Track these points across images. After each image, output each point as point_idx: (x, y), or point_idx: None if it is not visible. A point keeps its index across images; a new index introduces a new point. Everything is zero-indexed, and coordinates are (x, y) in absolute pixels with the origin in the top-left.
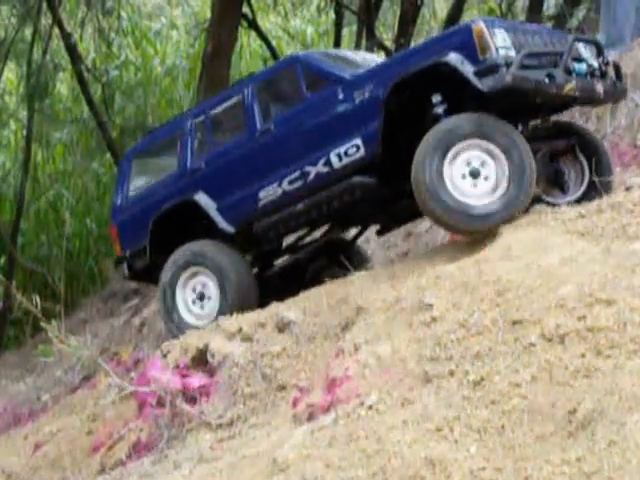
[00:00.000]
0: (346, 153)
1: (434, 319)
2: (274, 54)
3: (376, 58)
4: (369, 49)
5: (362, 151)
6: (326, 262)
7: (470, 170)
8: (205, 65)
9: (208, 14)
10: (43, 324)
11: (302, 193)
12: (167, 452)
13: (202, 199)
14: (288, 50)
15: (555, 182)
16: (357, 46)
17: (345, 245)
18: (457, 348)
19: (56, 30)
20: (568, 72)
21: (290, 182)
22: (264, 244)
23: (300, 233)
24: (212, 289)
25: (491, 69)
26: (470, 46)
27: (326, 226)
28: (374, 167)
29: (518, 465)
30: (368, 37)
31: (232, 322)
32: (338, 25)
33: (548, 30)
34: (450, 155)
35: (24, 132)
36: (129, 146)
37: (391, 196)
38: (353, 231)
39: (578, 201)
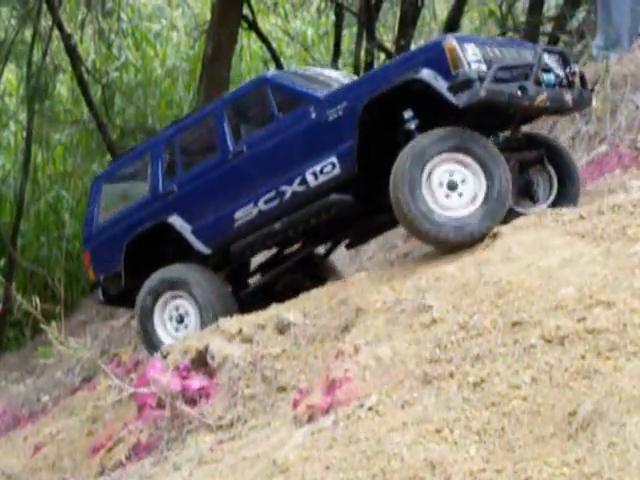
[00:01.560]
0: (322, 171)
1: (434, 321)
2: (274, 55)
3: (345, 76)
4: (369, 51)
5: (337, 169)
6: (299, 277)
7: (447, 183)
8: (205, 66)
9: (208, 16)
10: (43, 325)
11: (278, 212)
12: (167, 454)
13: (176, 222)
14: (288, 51)
15: (525, 192)
16: (357, 47)
17: (317, 260)
18: (457, 350)
19: (56, 31)
20: (538, 83)
21: (266, 202)
22: (236, 262)
23: (272, 252)
24: (191, 312)
25: (464, 84)
26: (442, 62)
27: (298, 244)
28: (350, 184)
29: (518, 467)
30: (368, 39)
31: (232, 324)
32: (338, 27)
33: (517, 42)
34: (427, 169)
35: (24, 133)
36: (129, 147)
37: (366, 212)
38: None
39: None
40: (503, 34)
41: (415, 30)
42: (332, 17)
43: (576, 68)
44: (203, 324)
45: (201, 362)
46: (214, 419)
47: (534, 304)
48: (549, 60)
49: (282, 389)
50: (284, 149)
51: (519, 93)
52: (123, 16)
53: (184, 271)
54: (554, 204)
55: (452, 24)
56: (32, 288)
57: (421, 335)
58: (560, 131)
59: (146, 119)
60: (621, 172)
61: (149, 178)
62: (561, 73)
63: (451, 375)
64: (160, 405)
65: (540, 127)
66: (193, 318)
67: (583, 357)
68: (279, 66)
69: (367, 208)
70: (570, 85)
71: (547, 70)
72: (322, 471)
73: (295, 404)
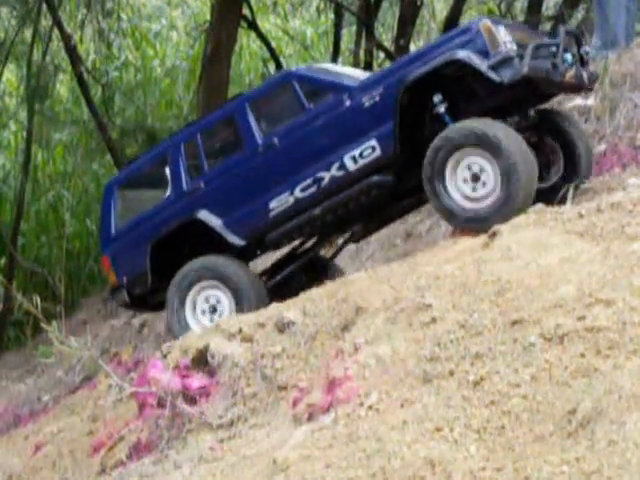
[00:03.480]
0: (361, 155)
1: (434, 319)
2: (274, 55)
3: (355, 71)
4: (369, 50)
5: (378, 151)
6: (305, 280)
7: (471, 175)
8: (205, 66)
9: (208, 15)
10: (43, 325)
11: (317, 198)
12: (167, 452)
13: (206, 217)
14: (288, 51)
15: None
16: (357, 47)
17: (324, 262)
18: (457, 348)
19: (56, 31)
20: (563, 62)
21: (302, 189)
22: (267, 250)
23: (283, 251)
24: (225, 302)
25: (504, 61)
26: (480, 42)
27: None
28: (390, 166)
29: (518, 465)
30: (367, 38)
31: (232, 323)
32: (337, 26)
33: (531, 28)
34: (451, 162)
35: (24, 133)
36: (129, 147)
37: (400, 194)
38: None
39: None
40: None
41: (414, 29)
42: (331, 16)
43: (587, 48)
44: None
45: (201, 361)
46: (214, 418)
47: (533, 302)
48: (567, 41)
49: (282, 388)
50: (318, 138)
51: (552, 69)
52: (123, 16)
53: (218, 261)
54: (565, 179)
55: (451, 23)
56: (32, 287)
57: (421, 334)
58: None
59: (146, 119)
60: (620, 171)
61: (171, 178)
62: (576, 53)
63: (451, 374)
64: (160, 404)
65: None
66: (226, 308)
67: (582, 355)
68: (278, 66)
69: (406, 189)
70: (583, 64)
71: (565, 50)
72: (322, 470)
73: (295, 403)
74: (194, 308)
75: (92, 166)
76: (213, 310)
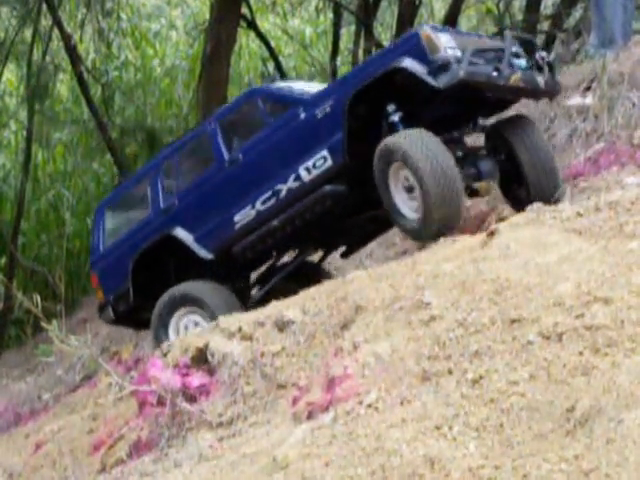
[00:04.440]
0: (314, 166)
1: (433, 318)
2: (273, 54)
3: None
4: (368, 49)
5: (329, 161)
6: (294, 286)
7: (406, 186)
8: (204, 65)
9: (207, 15)
10: (44, 324)
11: (276, 210)
12: (167, 451)
13: (179, 232)
14: (287, 50)
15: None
16: (356, 46)
17: (312, 267)
18: (456, 347)
19: (56, 31)
20: (511, 66)
21: (263, 202)
22: (243, 267)
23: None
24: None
25: (443, 67)
26: (420, 49)
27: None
28: (342, 176)
29: (517, 463)
30: (366, 37)
31: (232, 321)
32: (336, 25)
33: (487, 35)
34: (391, 172)
35: (24, 133)
36: (129, 146)
37: (361, 204)
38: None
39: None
40: (500, 32)
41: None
42: (330, 16)
43: (544, 54)
44: None
45: (201, 360)
46: (214, 416)
47: (532, 301)
48: (519, 47)
49: (282, 386)
50: (277, 151)
51: (494, 73)
52: (122, 16)
53: (194, 288)
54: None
55: (450, 23)
56: (33, 286)
57: (420, 332)
58: (557, 128)
59: (146, 118)
60: (618, 169)
61: (150, 197)
62: (531, 58)
63: (450, 372)
64: (160, 403)
65: (537, 126)
66: None
67: (581, 353)
68: (278, 65)
69: (362, 199)
70: (540, 69)
71: (518, 55)
72: (322, 468)
73: (295, 401)
74: (177, 334)
75: (92, 165)
76: None
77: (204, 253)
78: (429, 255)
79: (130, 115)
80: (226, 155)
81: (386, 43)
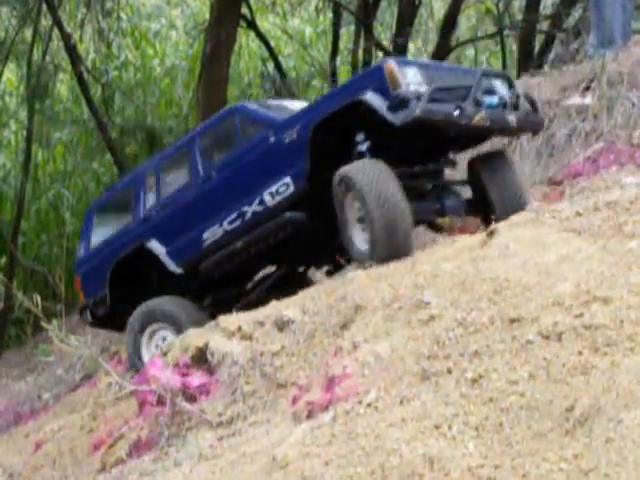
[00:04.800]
0: (277, 191)
1: (432, 317)
2: (272, 54)
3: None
4: (367, 49)
5: (291, 188)
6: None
7: (358, 217)
8: (204, 65)
9: (207, 15)
10: (44, 323)
11: (241, 232)
12: (167, 450)
13: (153, 244)
14: (287, 50)
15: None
16: (355, 46)
17: (297, 276)
18: (455, 346)
19: (56, 31)
20: (478, 104)
21: (230, 222)
22: (215, 283)
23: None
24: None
25: (402, 103)
26: (383, 83)
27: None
28: (303, 204)
29: (516, 462)
30: (366, 37)
31: (231, 321)
32: (336, 25)
33: (462, 69)
34: (347, 201)
35: (24, 132)
36: (129, 146)
37: (323, 232)
38: None
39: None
40: (500, 32)
41: (413, 29)
42: (330, 16)
43: (520, 91)
44: None
45: (201, 359)
46: (214, 416)
47: (531, 300)
48: (494, 83)
49: (281, 386)
50: (246, 173)
51: (456, 112)
52: (122, 15)
53: (163, 303)
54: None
55: (449, 22)
56: (33, 286)
57: (419, 331)
58: (557, 128)
59: (145, 118)
60: (617, 169)
61: (132, 205)
62: (506, 96)
63: (449, 371)
64: (160, 402)
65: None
66: None
67: (580, 353)
68: (278, 65)
69: (323, 228)
70: (516, 107)
71: (490, 92)
72: (321, 467)
73: (294, 400)
74: (150, 349)
75: (92, 165)
76: None
77: (174, 267)
78: (429, 255)
79: (130, 115)
80: (201, 172)
81: (386, 43)
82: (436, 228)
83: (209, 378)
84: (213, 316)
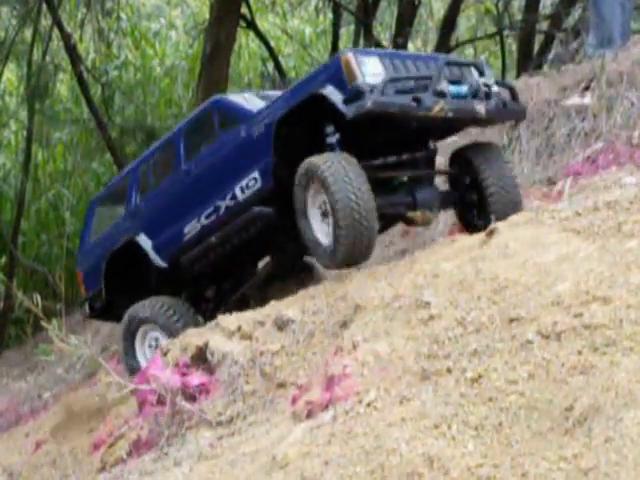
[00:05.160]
0: (247, 186)
1: (432, 317)
2: (272, 54)
3: None
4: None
5: (259, 183)
6: (278, 282)
7: (322, 211)
8: (204, 65)
9: (207, 14)
10: (44, 323)
11: (215, 227)
12: (167, 450)
13: (141, 238)
14: (286, 50)
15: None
16: (355, 46)
17: (294, 262)
18: (454, 345)
19: (56, 31)
20: (441, 94)
21: (206, 217)
22: (200, 278)
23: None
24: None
25: (356, 96)
26: (340, 76)
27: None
28: (271, 198)
29: (515, 462)
30: (366, 37)
31: (231, 320)
32: (336, 25)
33: (429, 57)
34: (309, 195)
35: (24, 132)
36: (129, 146)
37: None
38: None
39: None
40: (499, 32)
41: (412, 28)
42: (330, 16)
43: (491, 80)
44: None
45: (201, 359)
46: (214, 415)
47: (531, 300)
48: (463, 72)
49: (281, 385)
50: (220, 166)
51: (413, 104)
52: (122, 15)
53: (152, 304)
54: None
55: (449, 23)
56: (33, 286)
57: (419, 331)
58: (556, 128)
59: (145, 118)
60: (617, 169)
61: (126, 199)
62: (475, 85)
63: (449, 371)
64: (160, 402)
65: (536, 126)
66: None
67: (580, 352)
68: (277, 65)
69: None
70: (487, 96)
71: (457, 82)
72: (321, 466)
73: (294, 400)
74: (143, 349)
75: (92, 165)
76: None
77: (159, 261)
78: (428, 254)
79: (130, 115)
80: (183, 165)
81: (385, 43)
82: (408, 222)
83: (209, 378)
84: (211, 313)
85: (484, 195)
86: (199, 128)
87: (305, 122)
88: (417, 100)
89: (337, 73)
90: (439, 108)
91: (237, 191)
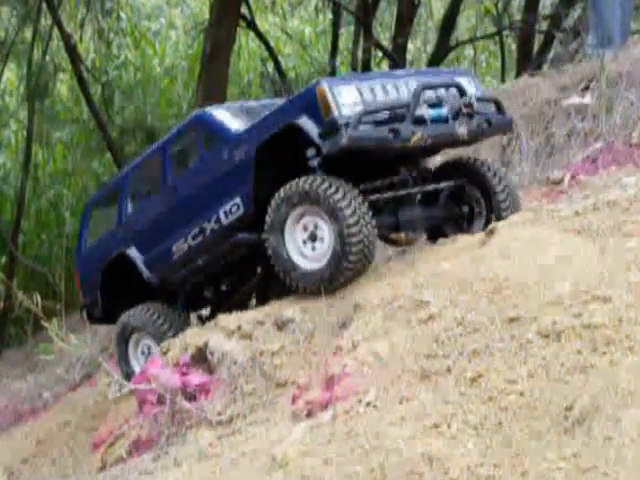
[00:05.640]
0: (230, 211)
1: (431, 317)
2: (272, 54)
3: None
4: (367, 49)
5: (241, 209)
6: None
7: (308, 235)
8: (204, 65)
9: (207, 14)
10: (44, 323)
11: (202, 248)
12: (167, 449)
13: (132, 252)
14: (286, 50)
15: (461, 219)
16: (355, 46)
17: None
18: (454, 345)
19: (56, 31)
20: (419, 121)
21: (193, 238)
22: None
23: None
24: (155, 349)
25: (332, 130)
26: (315, 107)
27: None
28: (255, 224)
29: (515, 461)
30: (365, 37)
31: (231, 320)
32: (336, 25)
33: (415, 74)
34: (294, 213)
35: (24, 132)
36: (128, 145)
37: None
38: None
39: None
40: (499, 32)
41: (412, 28)
42: (330, 16)
43: (473, 99)
44: None
45: (201, 358)
46: (214, 415)
47: (530, 300)
48: (442, 94)
49: (281, 385)
50: (204, 187)
51: (390, 136)
52: (122, 15)
53: (143, 311)
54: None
55: (448, 23)
56: (33, 285)
57: (419, 331)
58: (556, 128)
59: (145, 117)
60: (616, 168)
61: (118, 207)
62: (456, 105)
63: (448, 370)
64: (160, 401)
65: (535, 125)
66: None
67: (579, 352)
68: (277, 64)
69: None
70: (470, 116)
71: (436, 105)
72: (321, 466)
73: (294, 399)
74: (136, 356)
75: (92, 165)
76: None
77: (151, 278)
78: (428, 254)
79: (130, 114)
80: (170, 180)
81: (385, 43)
82: (391, 243)
83: (209, 377)
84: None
85: (496, 199)
86: (184, 143)
87: (284, 147)
88: (394, 131)
89: (312, 104)
90: (417, 138)
91: (221, 215)
